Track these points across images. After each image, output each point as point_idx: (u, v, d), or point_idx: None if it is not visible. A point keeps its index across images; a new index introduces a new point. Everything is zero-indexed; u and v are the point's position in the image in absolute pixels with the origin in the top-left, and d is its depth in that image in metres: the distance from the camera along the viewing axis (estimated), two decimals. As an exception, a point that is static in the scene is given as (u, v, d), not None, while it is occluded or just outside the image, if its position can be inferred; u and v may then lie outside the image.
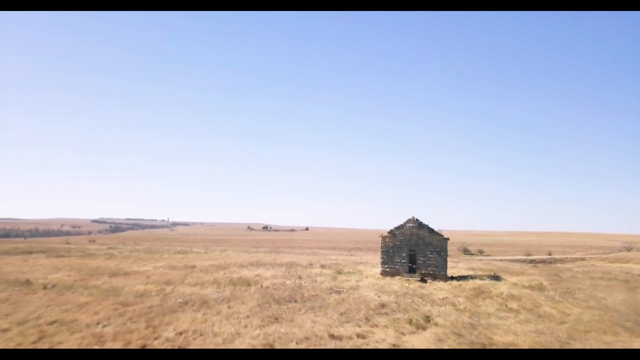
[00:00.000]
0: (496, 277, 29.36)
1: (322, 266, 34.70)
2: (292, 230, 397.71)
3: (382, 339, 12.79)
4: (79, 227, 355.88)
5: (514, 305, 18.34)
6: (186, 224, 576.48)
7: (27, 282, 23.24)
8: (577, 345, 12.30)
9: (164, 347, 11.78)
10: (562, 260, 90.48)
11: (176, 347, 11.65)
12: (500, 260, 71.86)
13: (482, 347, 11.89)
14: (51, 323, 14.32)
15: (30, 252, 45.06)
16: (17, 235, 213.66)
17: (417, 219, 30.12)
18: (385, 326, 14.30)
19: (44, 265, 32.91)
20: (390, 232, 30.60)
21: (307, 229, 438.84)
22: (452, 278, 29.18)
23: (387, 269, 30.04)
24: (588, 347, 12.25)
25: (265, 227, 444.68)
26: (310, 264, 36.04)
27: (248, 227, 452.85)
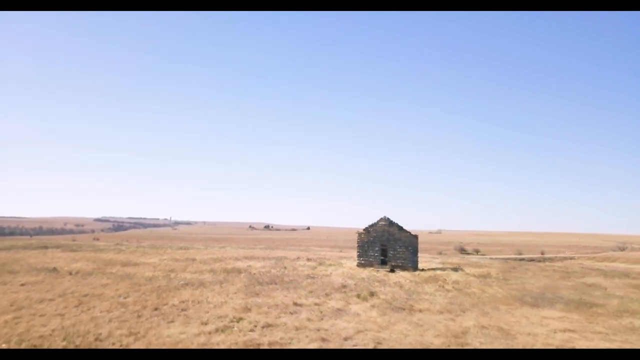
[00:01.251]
0: (456, 269, 33.77)
1: (308, 259, 39.19)
2: (294, 229, 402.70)
3: (332, 306, 17.26)
4: (82, 225, 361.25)
5: (450, 287, 22.80)
6: (188, 223, 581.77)
7: (55, 270, 27.76)
8: (472, 309, 16.71)
9: (170, 309, 16.24)
10: (550, 259, 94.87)
11: (179, 312, 16.10)
12: (491, 258, 76.14)
13: (402, 310, 16.36)
14: (84, 295, 18.81)
15: (46, 247, 49.58)
16: (21, 234, 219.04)
17: (388, 218, 34.59)
18: (339, 299, 18.78)
19: (63, 257, 37.42)
20: (365, 229, 35.08)
21: (308, 228, 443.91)
22: (421, 270, 33.57)
23: (362, 261, 34.51)
24: (482, 311, 16.70)
25: (266, 227, 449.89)
26: (298, 258, 40.53)
27: (250, 227, 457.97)
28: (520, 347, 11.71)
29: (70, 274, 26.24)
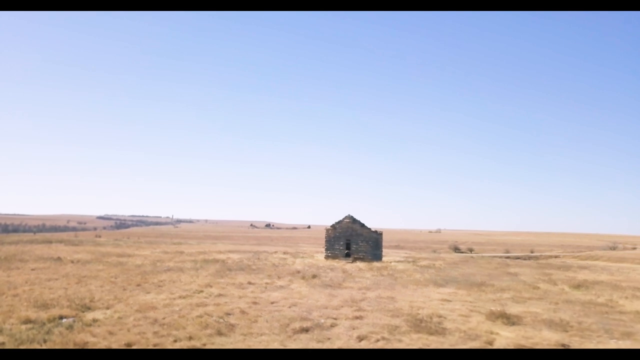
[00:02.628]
0: (409, 261, 38.37)
1: (285, 253, 43.86)
2: (294, 228, 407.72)
3: (278, 284, 21.89)
4: (85, 223, 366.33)
5: (386, 273, 27.42)
6: (190, 221, 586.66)
7: (59, 259, 32.48)
8: (386, 287, 21.25)
9: (149, 285, 20.86)
10: (536, 257, 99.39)
11: (159, 295, 20.72)
12: (482, 256, 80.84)
13: (330, 287, 20.96)
14: (83, 276, 23.47)
15: (50, 242, 54.41)
16: (24, 231, 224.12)
17: (352, 216, 39.22)
18: (286, 280, 23.41)
19: (65, 250, 42.16)
20: (332, 225, 39.72)
21: (309, 227, 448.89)
22: (381, 261, 38.18)
23: (329, 254, 39.16)
24: (391, 288, 21.28)
25: (267, 225, 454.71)
26: (276, 252, 45.21)
27: (251, 225, 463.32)
28: (397, 307, 16.27)
29: (72, 262, 30.92)
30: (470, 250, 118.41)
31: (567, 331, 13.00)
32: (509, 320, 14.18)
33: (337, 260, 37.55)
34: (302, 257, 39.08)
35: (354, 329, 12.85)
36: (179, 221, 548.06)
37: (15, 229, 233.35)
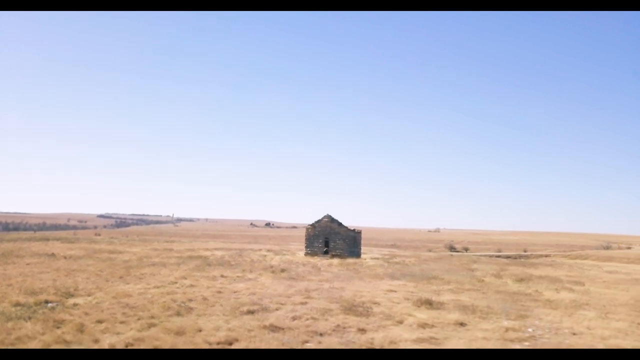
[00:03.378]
0: (384, 259, 40.69)
1: (269, 250, 46.20)
2: (294, 227, 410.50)
3: (247, 277, 24.21)
4: (85, 221, 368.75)
5: (352, 267, 29.74)
6: (191, 220, 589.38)
7: (53, 255, 34.86)
8: (343, 279, 23.56)
9: (131, 277, 23.19)
10: (527, 256, 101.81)
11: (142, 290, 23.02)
12: (473, 254, 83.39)
13: (294, 279, 23.29)
14: (72, 270, 25.81)
15: (47, 239, 56.85)
16: (25, 229, 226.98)
17: (330, 215, 41.56)
18: (257, 274, 25.75)
19: (60, 247, 44.54)
20: (312, 224, 42.06)
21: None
22: (357, 258, 40.48)
23: (309, 251, 41.51)
24: (348, 280, 23.59)
25: (267, 224, 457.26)
26: (261, 249, 47.55)
27: (251, 224, 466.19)
28: (341, 295, 18.57)
29: (65, 258, 33.29)
30: (466, 250, 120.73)
31: (473, 313, 15.30)
32: (432, 306, 16.49)
33: (316, 257, 39.86)
34: (284, 255, 41.42)
35: (293, 311, 15.17)
36: (180, 220, 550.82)
37: (16, 228, 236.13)
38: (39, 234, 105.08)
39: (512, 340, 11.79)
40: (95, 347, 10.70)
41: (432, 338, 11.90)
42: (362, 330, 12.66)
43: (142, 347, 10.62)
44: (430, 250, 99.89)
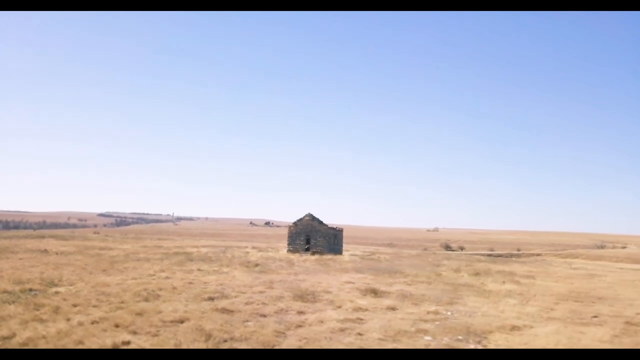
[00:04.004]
0: (362, 255, 42.62)
1: (253, 247, 48.14)
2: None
3: (222, 270, 26.13)
4: (85, 220, 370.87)
5: (324, 262, 31.64)
6: (191, 219, 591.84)
7: (45, 251, 36.82)
8: (309, 272, 25.47)
9: (113, 270, 25.10)
10: (518, 255, 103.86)
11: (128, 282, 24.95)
12: (465, 253, 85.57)
13: (263, 272, 25.22)
14: (61, 264, 27.75)
15: (43, 237, 58.91)
16: (25, 227, 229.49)
17: (311, 214, 43.49)
18: (232, 268, 27.66)
19: (54, 244, 46.52)
20: (294, 223, 43.99)
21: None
22: (336, 254, 42.39)
23: (291, 248, 43.44)
24: (314, 274, 25.50)
25: (267, 223, 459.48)
26: (246, 247, 49.48)
27: (250, 223, 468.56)
28: (300, 286, 20.48)
29: (57, 253, 35.24)
30: (461, 248, 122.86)
31: (409, 301, 17.22)
32: (376, 294, 18.42)
33: (297, 254, 41.78)
34: (267, 252, 43.36)
35: (249, 298, 17.10)
36: (180, 219, 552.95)
37: (17, 226, 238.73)
38: (35, 232, 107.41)
39: (425, 321, 13.69)
40: (66, 324, 12.61)
41: (358, 319, 13.82)
42: (300, 313, 14.58)
43: (104, 324, 12.52)
44: (426, 249, 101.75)
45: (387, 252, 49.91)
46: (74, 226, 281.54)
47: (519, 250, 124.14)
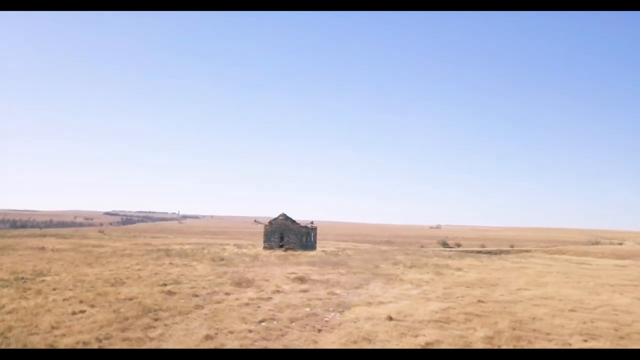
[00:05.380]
0: (330, 251, 46.73)
1: (234, 245, 52.42)
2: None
3: (191, 264, 30.35)
4: (92, 219, 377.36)
5: (283, 257, 35.79)
6: (196, 217, 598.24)
7: (43, 248, 41.31)
8: (252, 265, 29.61)
9: (97, 264, 29.42)
10: (506, 252, 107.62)
11: (108, 271, 29.25)
12: (457, 250, 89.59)
13: (225, 266, 29.42)
14: (53, 259, 32.11)
15: (44, 235, 63.62)
16: (32, 226, 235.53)
17: (285, 214, 47.69)
18: (200, 262, 31.87)
19: (53, 242, 51.09)
20: (269, 222, 48.22)
21: (312, 222, 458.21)
22: (309, 250, 46.48)
23: (267, 245, 47.66)
24: (269, 267, 29.66)
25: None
26: (228, 244, 53.77)
27: (255, 221, 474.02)
28: (245, 276, 24.61)
29: (53, 250, 39.69)
30: (458, 245, 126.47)
31: (323, 285, 21.31)
32: (302, 282, 22.53)
33: (271, 250, 45.96)
34: (244, 248, 47.60)
35: (196, 284, 21.28)
36: (185, 217, 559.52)
37: (24, 225, 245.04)
38: (39, 231, 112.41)
39: (319, 299, 17.79)
40: (43, 300, 16.83)
41: (268, 298, 17.95)
42: (227, 294, 18.73)
43: (71, 301, 16.74)
44: (422, 246, 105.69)
45: (356, 249, 53.97)
46: (80, 225, 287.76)
47: (512, 246, 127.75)
